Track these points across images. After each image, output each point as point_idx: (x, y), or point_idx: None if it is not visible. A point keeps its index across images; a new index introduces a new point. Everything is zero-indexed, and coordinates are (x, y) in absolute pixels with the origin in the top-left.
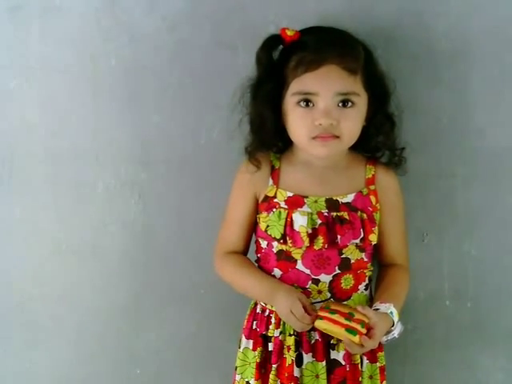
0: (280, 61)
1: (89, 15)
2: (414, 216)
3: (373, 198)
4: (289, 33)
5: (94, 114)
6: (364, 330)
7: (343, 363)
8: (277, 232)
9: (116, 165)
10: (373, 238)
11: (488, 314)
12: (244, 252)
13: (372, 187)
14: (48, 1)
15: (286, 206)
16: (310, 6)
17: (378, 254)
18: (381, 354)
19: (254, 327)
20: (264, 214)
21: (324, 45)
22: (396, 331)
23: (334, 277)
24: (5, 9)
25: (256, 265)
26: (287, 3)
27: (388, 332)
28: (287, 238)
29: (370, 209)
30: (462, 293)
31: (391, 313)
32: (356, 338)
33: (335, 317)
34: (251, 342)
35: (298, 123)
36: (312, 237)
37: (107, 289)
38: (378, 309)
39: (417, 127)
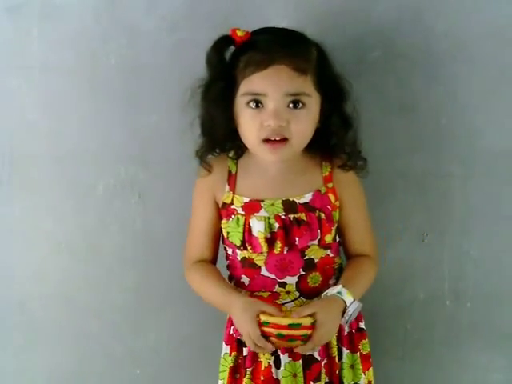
0: (231, 61)
1: (88, 15)
2: (414, 216)
3: (331, 196)
4: (239, 33)
5: (93, 114)
6: (302, 331)
7: (319, 358)
8: (236, 239)
9: (116, 165)
10: (328, 239)
11: (487, 314)
12: (212, 260)
13: (330, 185)
14: (48, 1)
15: (243, 212)
16: (310, 6)
17: (344, 248)
18: (364, 342)
19: (231, 332)
20: (224, 221)
21: (273, 45)
22: (351, 308)
23: (299, 278)
24: (5, 9)
25: (221, 274)
26: (286, 3)
27: (343, 312)
28: (246, 245)
29: (329, 207)
30: (461, 293)
31: (339, 293)
32: (296, 343)
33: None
34: (229, 347)
35: (247, 124)
36: (270, 241)
37: (107, 289)
38: (326, 294)
39: (416, 127)
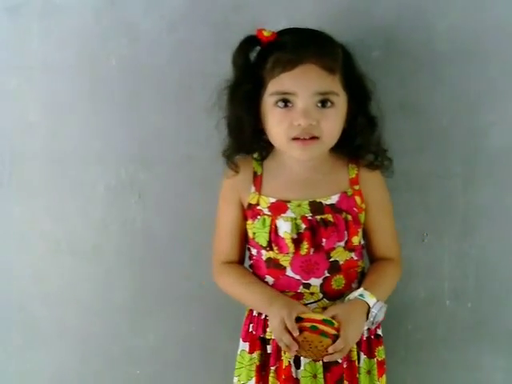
0: (257, 62)
1: (89, 15)
2: (414, 216)
3: (358, 199)
4: (265, 33)
5: (93, 114)
6: (333, 331)
7: (340, 361)
8: (263, 240)
9: (116, 165)
10: (355, 241)
11: (488, 314)
12: (240, 260)
13: (356, 187)
14: (48, 1)
15: (269, 213)
16: (310, 6)
17: (368, 251)
18: (379, 349)
19: (250, 330)
20: (250, 222)
21: (301, 44)
22: (374, 309)
23: (324, 280)
24: (5, 8)
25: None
26: (287, 3)
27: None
28: (273, 245)
29: (355, 210)
30: (461, 293)
31: (361, 295)
32: (327, 341)
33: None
34: (247, 344)
35: (276, 124)
36: (297, 242)
37: (107, 288)
38: (349, 298)
39: (417, 127)
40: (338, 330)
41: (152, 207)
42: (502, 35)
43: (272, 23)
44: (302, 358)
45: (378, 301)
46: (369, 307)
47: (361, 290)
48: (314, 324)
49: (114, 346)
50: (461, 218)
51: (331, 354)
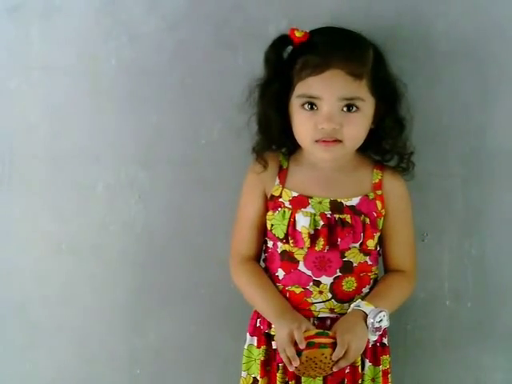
0: (288, 61)
1: (89, 15)
2: (414, 216)
3: (379, 204)
4: (297, 34)
5: (94, 114)
6: (330, 340)
7: None
8: (280, 231)
9: (116, 165)
10: (370, 244)
11: (488, 314)
12: (257, 255)
13: (379, 192)
14: (48, 1)
15: (290, 206)
16: (310, 6)
17: (383, 259)
18: (385, 358)
19: (258, 325)
20: (270, 213)
21: (330, 48)
22: (371, 316)
23: (335, 279)
24: (5, 9)
25: (269, 278)
26: (287, 3)
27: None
28: (289, 238)
29: (375, 214)
30: (461, 293)
31: (357, 306)
32: (328, 350)
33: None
34: (255, 339)
35: (301, 126)
36: (313, 238)
37: (107, 289)
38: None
39: (417, 127)
40: (334, 337)
41: (152, 207)
42: (500, 35)
43: (272, 23)
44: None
45: (376, 308)
46: (365, 315)
47: (357, 301)
48: (310, 340)
49: (114, 346)
50: (461, 218)
51: (337, 362)
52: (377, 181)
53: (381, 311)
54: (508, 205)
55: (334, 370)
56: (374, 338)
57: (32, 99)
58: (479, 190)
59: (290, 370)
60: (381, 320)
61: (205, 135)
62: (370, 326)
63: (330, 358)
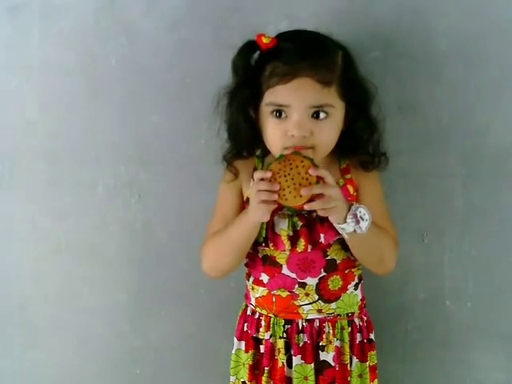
0: (256, 68)
1: (88, 15)
2: (414, 216)
3: (350, 188)
4: (264, 40)
5: (93, 114)
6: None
7: (333, 364)
8: (259, 235)
9: (116, 165)
10: None
11: (488, 314)
12: None
13: (347, 176)
14: (48, 1)
15: None
16: (310, 6)
17: None
18: (372, 353)
19: (245, 329)
20: None
21: (298, 56)
22: (355, 205)
23: (320, 279)
24: (5, 9)
25: None
26: (287, 3)
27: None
28: (269, 242)
29: (349, 199)
30: (462, 293)
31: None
32: (308, 162)
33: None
34: (243, 343)
35: (271, 133)
36: (293, 240)
37: (107, 289)
38: None
39: (417, 127)
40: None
41: (152, 207)
42: (500, 35)
43: (272, 23)
44: (293, 359)
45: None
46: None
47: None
48: (281, 153)
49: (114, 346)
50: (461, 218)
51: (312, 187)
52: (345, 166)
53: (366, 211)
54: (508, 205)
55: (306, 207)
56: (349, 225)
57: (32, 99)
58: (479, 189)
59: (270, 199)
60: (363, 214)
61: (205, 135)
62: (354, 209)
63: (306, 173)
